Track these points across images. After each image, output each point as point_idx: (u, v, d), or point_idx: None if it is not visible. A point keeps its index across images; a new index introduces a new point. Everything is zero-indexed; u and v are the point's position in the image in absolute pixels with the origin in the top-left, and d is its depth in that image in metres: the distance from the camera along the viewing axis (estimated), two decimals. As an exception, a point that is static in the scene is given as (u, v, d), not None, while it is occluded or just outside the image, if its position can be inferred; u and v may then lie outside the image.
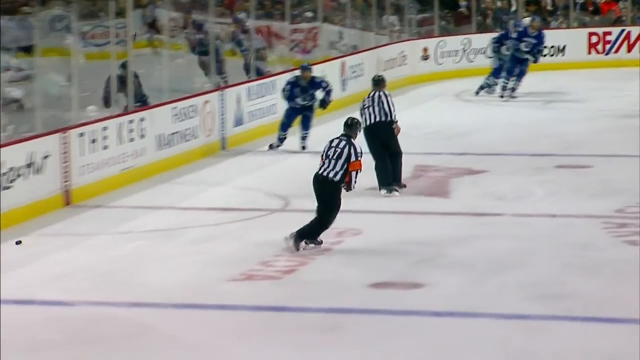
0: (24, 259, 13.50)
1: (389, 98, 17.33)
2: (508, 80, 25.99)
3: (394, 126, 16.97)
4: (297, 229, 13.43)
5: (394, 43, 30.27)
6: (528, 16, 30.06)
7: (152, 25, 22.25)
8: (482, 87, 26.44)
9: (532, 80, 26.93)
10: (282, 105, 23.05)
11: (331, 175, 13.44)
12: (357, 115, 15.69)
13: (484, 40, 31.04)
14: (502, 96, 25.93)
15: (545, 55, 25.69)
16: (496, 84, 26.33)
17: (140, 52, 19.86)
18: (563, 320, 11.21)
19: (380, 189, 16.68)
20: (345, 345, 10.56)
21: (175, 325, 11.23)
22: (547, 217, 15.42)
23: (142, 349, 10.52)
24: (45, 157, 15.96)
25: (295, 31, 25.25)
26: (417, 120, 24.16)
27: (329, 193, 13.52)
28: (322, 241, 13.58)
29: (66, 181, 16.35)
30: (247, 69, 22.87)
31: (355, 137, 13.95)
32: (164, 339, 10.84)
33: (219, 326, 11.20)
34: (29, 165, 15.60)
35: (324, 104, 19.88)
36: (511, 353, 10.26)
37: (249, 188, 17.45)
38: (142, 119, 18.27)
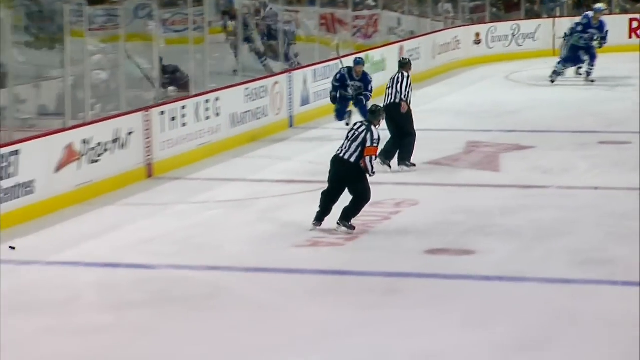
0: (111, 226, 13.65)
1: (405, 80, 17.01)
2: (582, 66, 25.71)
3: (401, 105, 16.65)
4: (342, 215, 12.95)
5: (449, 29, 30.09)
6: (573, 4, 29.95)
7: (226, 13, 22.30)
8: (556, 74, 25.91)
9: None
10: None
11: (347, 156, 12.90)
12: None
13: (532, 25, 31.00)
14: (588, 77, 25.68)
15: (593, 41, 25.39)
16: (565, 70, 25.88)
17: (215, 38, 19.91)
18: (604, 285, 11.21)
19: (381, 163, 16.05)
20: (404, 306, 10.63)
21: (247, 287, 11.35)
22: (590, 189, 15.36)
23: (217, 308, 10.63)
24: (130, 133, 16.10)
25: (357, 18, 25.18)
26: (469, 99, 24.16)
27: (347, 174, 12.95)
28: (355, 227, 12.97)
29: (148, 155, 16.48)
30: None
31: (378, 125, 13.28)
32: (237, 299, 10.95)
33: (287, 288, 11.28)
34: (114, 141, 15.74)
35: (365, 99, 19.07)
36: (555, 314, 10.26)
37: (314, 162, 17.41)
38: (217, 99, 18.39)
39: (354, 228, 12.94)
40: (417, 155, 17.41)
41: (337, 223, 12.92)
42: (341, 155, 13.00)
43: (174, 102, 17.55)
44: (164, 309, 10.63)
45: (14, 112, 14.81)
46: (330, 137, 19.55)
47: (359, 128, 13.08)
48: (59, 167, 14.59)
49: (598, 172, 16.41)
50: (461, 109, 22.76)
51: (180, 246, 12.79)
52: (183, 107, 17.50)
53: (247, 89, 19.46)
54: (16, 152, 13.81)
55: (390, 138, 16.47)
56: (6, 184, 13.57)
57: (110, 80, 17.37)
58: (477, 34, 30.65)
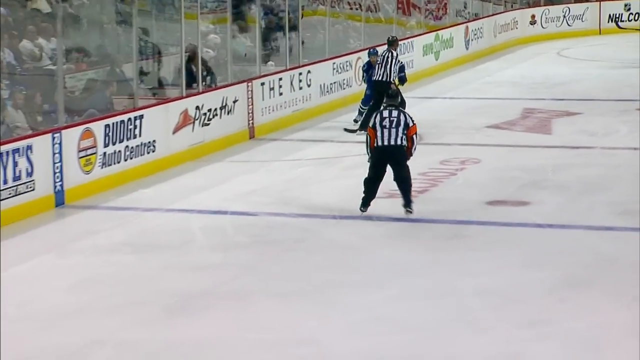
0: (219, 180, 13.69)
1: (393, 60, 16.35)
2: None
3: (390, 86, 15.42)
4: (405, 203, 11.56)
5: (508, 11, 29.91)
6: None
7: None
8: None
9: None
10: (418, 61, 22.98)
11: (399, 142, 11.41)
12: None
13: (581, 8, 30.80)
14: None
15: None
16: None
17: (308, 20, 19.91)
18: (641, 232, 11.05)
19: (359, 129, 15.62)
20: (467, 249, 10.54)
21: (333, 231, 11.33)
22: (630, 149, 15.10)
23: (307, 249, 10.64)
24: (235, 101, 16.15)
25: (429, 2, 25.01)
26: (524, 73, 23.98)
27: (402, 158, 11.54)
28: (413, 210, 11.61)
29: (250, 120, 16.54)
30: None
31: (401, 105, 12.36)
32: (324, 242, 10.94)
33: (367, 233, 11.23)
34: (222, 108, 15.80)
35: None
36: (598, 257, 10.15)
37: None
38: (309, 72, 18.37)
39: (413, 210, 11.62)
40: (480, 120, 17.38)
41: (408, 210, 11.56)
42: (390, 142, 11.42)
43: (272, 74, 17.55)
44: (263, 249, 10.65)
45: (139, 83, 14.89)
46: (407, 106, 19.47)
47: (392, 114, 11.53)
48: (176, 130, 14.67)
49: (636, 135, 16.07)
50: (517, 80, 22.66)
51: (276, 197, 12.79)
52: (280, 79, 17.52)
53: (334, 63, 19.41)
54: (141, 117, 13.90)
55: (372, 105, 15.65)
56: (132, 143, 13.68)
57: (218, 56, 17.43)
58: (533, 16, 30.52)
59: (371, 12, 22.42)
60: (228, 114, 15.93)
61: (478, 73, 24.10)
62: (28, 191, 11.84)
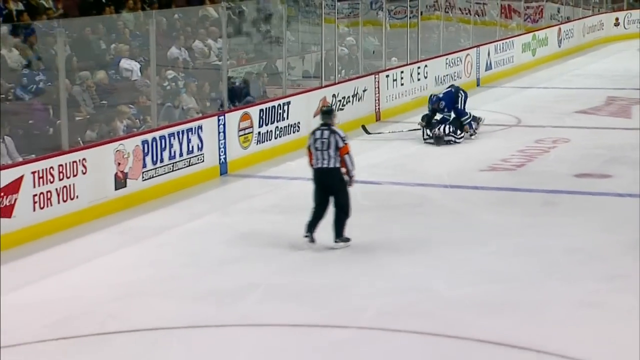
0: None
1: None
2: None
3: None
4: (335, 233, 9.18)
5: (595, 15, 29.12)
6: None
7: (433, 5, 21.87)
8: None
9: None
10: (518, 57, 22.54)
11: (329, 164, 9.10)
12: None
13: (659, 12, 29.84)
14: None
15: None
16: None
17: (425, 23, 19.70)
18: None
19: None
20: (557, 215, 10.34)
21: (445, 198, 11.21)
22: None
23: (424, 213, 10.57)
24: (364, 90, 16.11)
25: (527, 8, 24.49)
26: (608, 66, 23.33)
27: (336, 181, 9.15)
28: (350, 239, 9.18)
29: (377, 106, 16.48)
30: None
31: (334, 124, 9.28)
32: (438, 206, 10.84)
33: (473, 200, 11.11)
34: (354, 95, 15.78)
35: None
36: (671, 222, 9.81)
37: (494, 111, 17.14)
38: (426, 66, 18.18)
39: (349, 240, 9.18)
40: (570, 106, 17.00)
41: (335, 241, 9.15)
42: (321, 166, 9.16)
43: (396, 68, 17.41)
44: (385, 212, 10.62)
45: (287, 75, 14.98)
46: (508, 94, 19.23)
47: (322, 135, 9.16)
48: (316, 114, 14.68)
49: None
50: (602, 73, 22.06)
51: (397, 169, 12.75)
52: (402, 72, 17.39)
53: (447, 59, 19.17)
54: (288, 103, 13.98)
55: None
56: (281, 124, 13.77)
57: (351, 53, 17.39)
58: (617, 19, 29.70)
59: (478, 16, 22.06)
60: (359, 100, 15.90)
61: (568, 67, 23.51)
62: (198, 162, 12.07)
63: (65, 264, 8.86)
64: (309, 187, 11.34)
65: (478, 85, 20.37)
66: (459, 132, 14.32)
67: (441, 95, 14.73)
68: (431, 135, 14.32)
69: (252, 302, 7.76)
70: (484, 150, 13.66)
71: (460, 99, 14.66)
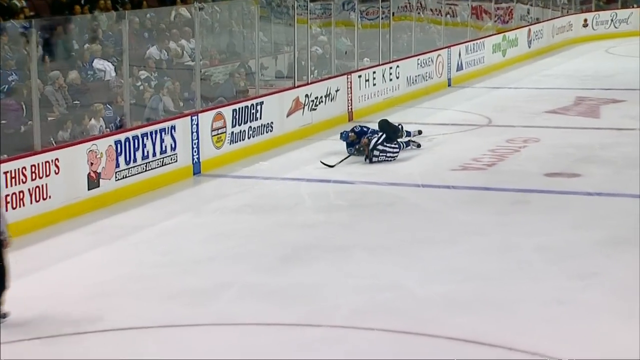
0: (324, 154, 13.64)
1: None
2: None
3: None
4: None
5: (564, 16, 29.26)
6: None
7: (405, 5, 21.88)
8: None
9: None
10: (488, 58, 22.62)
11: None
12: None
13: (626, 13, 30.12)
14: None
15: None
16: None
17: (398, 24, 19.73)
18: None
19: None
20: (528, 213, 10.38)
21: (417, 197, 11.23)
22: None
23: (396, 212, 10.58)
24: (337, 90, 16.11)
25: (498, 9, 24.61)
26: (577, 67, 23.47)
27: None
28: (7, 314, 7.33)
29: (350, 106, 16.48)
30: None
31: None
32: (410, 206, 10.86)
33: (444, 198, 11.13)
34: (327, 96, 15.78)
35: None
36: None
37: (465, 111, 17.22)
38: (397, 66, 18.20)
39: (6, 315, 7.32)
40: (539, 106, 17.13)
41: None
42: None
43: (368, 68, 17.42)
44: (358, 211, 10.62)
45: (260, 76, 14.95)
46: (479, 95, 19.29)
47: None
48: (289, 114, 14.70)
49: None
50: (571, 74, 22.19)
51: (370, 169, 12.73)
52: (374, 72, 17.40)
53: (419, 59, 19.21)
54: (261, 103, 13.96)
55: None
56: (254, 124, 13.75)
57: (324, 53, 17.38)
58: (585, 20, 29.86)
59: (450, 17, 22.13)
60: (331, 100, 15.91)
61: (538, 67, 23.64)
62: (172, 162, 12.02)
63: (39, 264, 8.81)
64: (282, 187, 11.33)
65: (449, 85, 20.44)
66: (393, 144, 12.99)
67: (351, 130, 13.33)
68: (359, 148, 12.94)
69: (226, 302, 7.75)
70: (456, 150, 13.70)
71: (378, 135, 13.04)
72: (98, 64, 13.19)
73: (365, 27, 18.49)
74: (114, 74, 13.00)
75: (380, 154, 12.91)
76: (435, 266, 8.52)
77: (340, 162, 12.91)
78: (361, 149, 13.06)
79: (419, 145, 13.76)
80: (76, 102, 12.09)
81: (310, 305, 7.61)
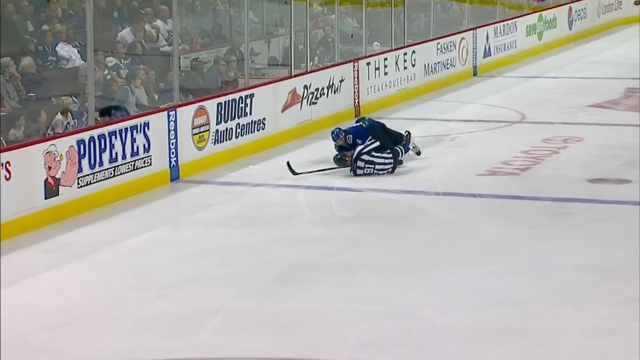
0: (325, 157, 13.67)
1: None
2: None
3: None
4: None
5: (612, -8, 29.40)
6: None
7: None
8: None
9: None
10: (522, 42, 22.66)
11: None
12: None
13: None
14: None
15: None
16: None
17: (414, 1, 19.77)
18: None
19: None
20: (569, 227, 10.38)
21: (436, 207, 11.26)
22: None
23: (412, 225, 10.61)
24: (341, 80, 16.16)
25: (532, -17, 24.74)
26: (627, 52, 23.53)
27: None
28: None
29: (356, 99, 16.53)
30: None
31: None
32: (428, 217, 10.89)
33: (469, 209, 11.15)
34: (329, 87, 15.83)
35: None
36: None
37: (494, 105, 17.26)
38: (413, 52, 18.27)
39: None
40: (582, 99, 17.15)
41: None
42: None
43: (378, 55, 17.47)
44: (368, 223, 10.65)
45: (250, 63, 14.99)
46: (510, 86, 19.32)
47: None
48: (285, 108, 14.74)
49: None
50: (620, 60, 22.25)
51: (380, 174, 12.70)
52: (385, 59, 17.45)
53: (438, 43, 19.25)
54: (252, 96, 14.00)
55: None
56: (243, 121, 13.79)
57: (325, 36, 17.44)
58: (637, -3, 29.86)
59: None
60: (335, 93, 15.95)
61: (581, 53, 23.70)
62: (145, 166, 12.05)
63: (-14, 287, 8.82)
64: (276, 195, 11.34)
65: (475, 74, 20.50)
66: (386, 153, 12.56)
67: (345, 129, 13.19)
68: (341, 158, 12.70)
69: (208, 332, 7.75)
70: (482, 151, 13.74)
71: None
72: (63, 50, 13.21)
73: (375, 5, 18.54)
74: (81, 61, 13.01)
75: (366, 165, 12.42)
76: (458, 290, 8.53)
77: (310, 172, 12.56)
78: (344, 158, 12.65)
79: (418, 153, 13.33)
80: (31, 94, 12.11)
81: (309, 336, 7.61)
